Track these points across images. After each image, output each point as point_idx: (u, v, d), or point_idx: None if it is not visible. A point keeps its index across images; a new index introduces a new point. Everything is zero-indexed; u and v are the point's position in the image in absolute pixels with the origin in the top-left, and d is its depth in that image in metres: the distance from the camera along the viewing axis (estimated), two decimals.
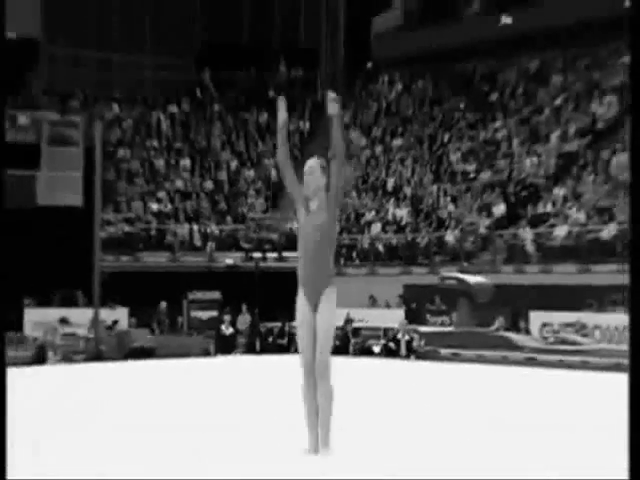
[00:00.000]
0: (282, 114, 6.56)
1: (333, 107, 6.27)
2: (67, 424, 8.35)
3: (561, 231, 23.61)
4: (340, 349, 20.43)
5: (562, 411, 9.80)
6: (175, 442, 7.02)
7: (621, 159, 22.84)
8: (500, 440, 7.30)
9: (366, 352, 20.28)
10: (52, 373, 15.89)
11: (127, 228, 27.57)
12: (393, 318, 21.56)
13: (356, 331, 21.16)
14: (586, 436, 7.66)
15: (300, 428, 6.33)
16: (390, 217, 27.64)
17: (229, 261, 26.39)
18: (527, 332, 20.60)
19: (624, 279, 21.50)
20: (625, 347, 18.88)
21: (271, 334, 22.08)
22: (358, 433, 7.33)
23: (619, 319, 19.92)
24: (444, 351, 19.25)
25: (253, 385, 13.32)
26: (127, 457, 6.36)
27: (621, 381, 13.27)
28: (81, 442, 7.10)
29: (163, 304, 23.00)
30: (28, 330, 20.03)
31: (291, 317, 21.02)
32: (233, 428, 7.82)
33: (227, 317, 21.73)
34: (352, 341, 20.75)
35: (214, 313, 23.15)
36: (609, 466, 6.11)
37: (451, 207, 26.87)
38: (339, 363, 16.10)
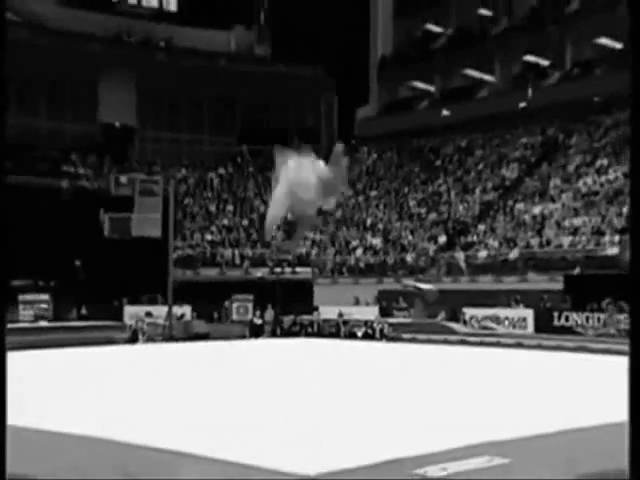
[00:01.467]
0: None
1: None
2: (152, 381, 8.53)
3: (482, 253, 23.78)
4: (334, 334, 20.49)
5: (485, 373, 9.96)
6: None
7: None
8: (440, 393, 7.48)
9: (352, 336, 19.87)
10: (141, 349, 15.95)
11: (190, 251, 27.66)
12: (371, 312, 21.41)
13: (345, 322, 20.99)
14: (502, 388, 7.87)
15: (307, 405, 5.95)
16: (368, 244, 27.73)
17: (259, 274, 26.25)
18: (465, 322, 20.42)
19: (523, 286, 21.51)
20: (522, 331, 19.09)
21: (287, 324, 21.89)
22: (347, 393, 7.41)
23: (519, 312, 20.06)
24: (405, 335, 18.93)
25: (276, 359, 13.34)
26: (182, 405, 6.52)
27: (520, 354, 13.47)
28: (162, 390, 7.29)
29: (227, 303, 22.77)
30: (125, 320, 20.00)
31: (301, 312, 20.81)
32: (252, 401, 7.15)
33: (257, 312, 21.48)
34: (342, 329, 20.59)
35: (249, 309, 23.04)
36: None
37: (410, 237, 26.96)
38: (333, 344, 16.22)
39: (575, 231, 22.32)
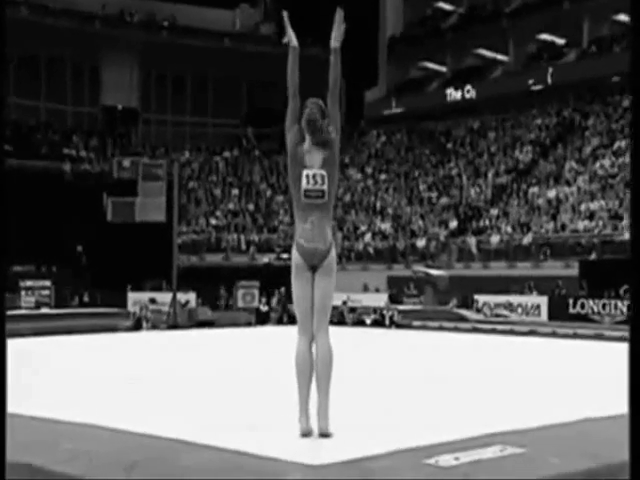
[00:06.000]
0: (290, 34, 4.27)
1: (337, 40, 4.30)
2: (154, 369, 8.55)
3: (495, 239, 23.74)
4: (342, 321, 20.42)
5: (497, 361, 9.93)
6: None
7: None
8: (449, 384, 7.46)
9: (361, 323, 19.71)
10: (145, 337, 15.93)
11: (195, 237, 27.75)
12: (380, 299, 21.50)
13: (353, 309, 20.89)
14: (520, 381, 7.83)
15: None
16: (377, 229, 27.78)
17: (265, 260, 26.35)
18: (477, 310, 20.51)
19: (537, 272, 21.47)
20: (536, 318, 19.06)
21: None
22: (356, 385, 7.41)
23: (533, 299, 20.07)
24: (415, 322, 18.83)
25: (282, 347, 13.35)
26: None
27: (533, 342, 13.45)
28: (167, 378, 7.33)
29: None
30: (129, 307, 19.96)
31: None
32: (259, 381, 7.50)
33: (263, 299, 21.35)
34: (350, 316, 20.38)
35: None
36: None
37: (420, 222, 26.99)
38: (341, 331, 16.26)
39: (591, 215, 22.22)
